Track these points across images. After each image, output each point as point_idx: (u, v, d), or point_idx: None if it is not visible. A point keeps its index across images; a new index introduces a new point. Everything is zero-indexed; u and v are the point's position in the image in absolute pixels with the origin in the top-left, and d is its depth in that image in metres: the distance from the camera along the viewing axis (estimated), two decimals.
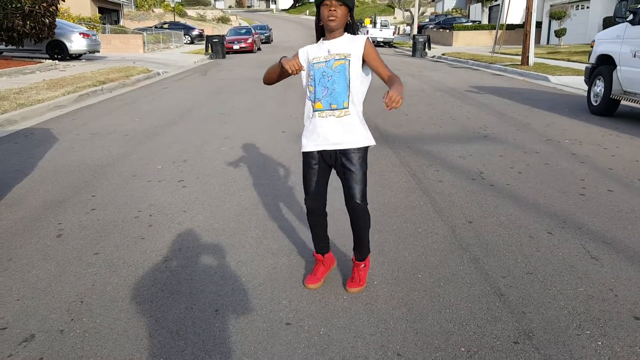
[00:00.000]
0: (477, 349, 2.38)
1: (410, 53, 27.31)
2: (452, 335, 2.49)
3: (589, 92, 9.11)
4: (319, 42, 2.72)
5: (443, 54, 25.47)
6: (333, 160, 2.72)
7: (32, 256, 3.35)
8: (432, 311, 2.69)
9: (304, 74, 2.73)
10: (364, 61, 2.65)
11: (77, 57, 19.19)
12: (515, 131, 7.29)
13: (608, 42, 8.67)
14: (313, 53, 2.69)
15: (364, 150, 2.72)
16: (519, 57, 18.85)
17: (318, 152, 2.71)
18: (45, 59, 17.97)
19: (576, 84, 12.85)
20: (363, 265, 2.93)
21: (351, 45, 2.62)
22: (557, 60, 19.29)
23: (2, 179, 5.03)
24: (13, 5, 14.44)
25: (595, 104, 8.81)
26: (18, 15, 14.67)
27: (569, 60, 19.03)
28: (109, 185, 4.85)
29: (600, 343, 2.43)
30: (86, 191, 4.66)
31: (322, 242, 2.96)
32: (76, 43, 18.45)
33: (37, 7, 15.05)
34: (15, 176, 5.13)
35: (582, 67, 15.85)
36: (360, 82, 2.67)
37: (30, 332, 2.51)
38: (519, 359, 2.31)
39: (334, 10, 2.54)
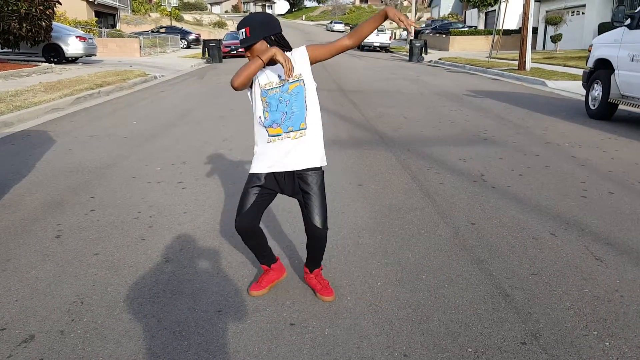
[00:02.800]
0: (484, 350, 2.35)
1: (407, 58, 27.36)
2: (458, 336, 2.46)
3: (587, 96, 9.13)
4: (265, 68, 2.51)
5: (440, 59, 25.53)
6: (287, 184, 2.59)
7: (31, 257, 3.30)
8: (438, 312, 2.66)
9: (251, 95, 2.60)
10: (316, 62, 2.59)
11: (73, 60, 19.12)
12: (514, 134, 7.28)
13: (606, 46, 8.70)
14: (264, 79, 2.53)
15: (321, 171, 2.62)
16: (516, 62, 18.93)
17: (267, 174, 2.58)
18: (42, 62, 17.90)
19: (573, 88, 12.89)
20: (320, 270, 2.87)
21: (298, 64, 2.51)
22: (554, 65, 19.36)
23: (0, 181, 4.98)
24: (9, 8, 14.38)
25: (593, 107, 8.83)
26: (14, 18, 14.60)
27: (565, 66, 19.10)
28: (108, 186, 4.80)
29: (607, 344, 2.41)
30: (85, 192, 4.62)
31: (265, 257, 2.84)
32: (72, 46, 18.38)
33: (33, 10, 14.99)
34: (13, 178, 5.08)
35: (579, 72, 15.96)
36: (314, 97, 2.59)
37: (29, 333, 2.47)
38: (527, 359, 2.28)
39: (249, 55, 2.47)
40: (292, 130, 2.53)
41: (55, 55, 18.14)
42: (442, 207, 4.26)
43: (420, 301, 2.77)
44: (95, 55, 20.66)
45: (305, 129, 2.54)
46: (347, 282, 2.98)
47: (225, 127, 7.84)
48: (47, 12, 15.63)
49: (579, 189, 4.79)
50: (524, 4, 18.02)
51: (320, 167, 2.62)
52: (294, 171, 2.57)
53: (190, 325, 2.53)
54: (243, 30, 2.43)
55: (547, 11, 31.97)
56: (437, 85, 14.40)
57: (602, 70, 8.65)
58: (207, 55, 24.84)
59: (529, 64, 17.51)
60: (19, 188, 4.76)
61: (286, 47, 2.55)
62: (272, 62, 2.46)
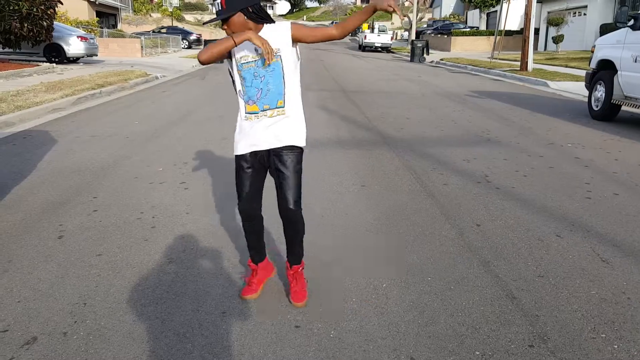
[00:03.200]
0: (492, 353, 2.32)
1: (409, 58, 27.34)
2: (465, 338, 2.43)
3: (589, 97, 9.10)
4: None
5: (441, 60, 25.50)
6: (267, 162, 2.56)
7: (33, 258, 3.28)
8: (444, 314, 2.64)
9: (231, 67, 2.52)
10: (298, 42, 2.48)
11: (74, 60, 19.10)
12: (517, 135, 7.26)
13: (609, 47, 8.67)
14: (239, 51, 2.42)
15: (298, 151, 2.53)
16: (518, 63, 18.89)
17: (251, 154, 2.54)
18: (43, 62, 17.89)
19: (575, 89, 12.86)
20: (300, 268, 2.74)
21: (278, 37, 2.40)
22: (555, 66, 19.33)
23: (1, 180, 4.95)
24: (10, 8, 14.35)
25: (596, 108, 8.80)
26: (15, 17, 14.58)
27: (567, 66, 19.08)
28: (110, 187, 4.78)
29: (616, 346, 2.39)
30: (87, 193, 4.60)
31: (257, 250, 2.80)
32: (74, 46, 18.36)
33: (35, 10, 14.96)
34: (15, 178, 5.06)
35: (580, 73, 15.93)
36: (294, 74, 2.50)
37: (32, 335, 2.44)
38: None
39: (226, 28, 2.37)
40: (269, 109, 2.45)
41: (56, 55, 18.12)
42: (446, 208, 4.23)
43: (427, 303, 2.74)
44: (97, 56, 20.63)
45: (283, 107, 2.47)
46: (352, 283, 2.95)
47: (226, 126, 7.80)
48: (49, 12, 15.61)
49: (584, 190, 4.76)
50: (526, 5, 18.01)
51: (300, 147, 2.54)
52: (271, 149, 2.51)
53: (195, 327, 2.51)
54: (218, 1, 2.31)
55: (548, 12, 31.94)
56: (439, 85, 14.37)
57: (605, 71, 8.62)
58: None
59: (531, 65, 17.48)
60: (20, 188, 4.73)
61: (266, 18, 2.43)
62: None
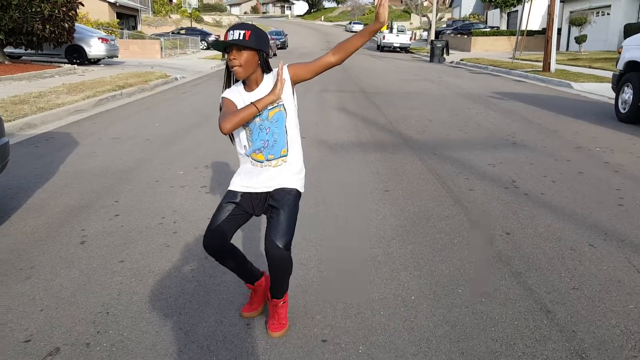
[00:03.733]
0: None
1: (428, 59, 27.12)
2: (500, 356, 2.33)
3: (616, 99, 8.88)
4: (241, 90, 2.36)
5: (461, 60, 25.25)
6: (260, 203, 2.45)
7: (55, 264, 3.25)
8: (477, 329, 2.53)
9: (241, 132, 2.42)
10: (298, 83, 2.39)
11: (95, 61, 19.28)
12: (544, 138, 7.09)
13: (637, 48, 8.45)
14: (241, 105, 2.31)
15: (295, 193, 2.43)
16: (540, 64, 18.62)
17: (245, 194, 2.44)
18: (64, 63, 18.08)
19: (600, 90, 12.60)
20: (282, 302, 2.52)
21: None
22: (579, 67, 19.00)
23: (24, 183, 4.96)
24: (33, 10, 14.50)
25: (623, 111, 8.58)
26: (38, 19, 14.74)
27: (590, 67, 18.73)
28: (131, 190, 4.75)
29: None
30: (109, 196, 4.57)
31: (245, 274, 2.62)
32: (95, 48, 18.52)
33: (56, 12, 15.11)
34: (37, 180, 5.06)
35: (605, 74, 15.62)
36: (295, 122, 2.43)
37: (55, 345, 2.40)
38: None
39: (235, 59, 2.21)
40: (274, 159, 2.40)
41: (77, 56, 18.30)
42: (474, 215, 4.12)
43: (458, 317, 2.64)
44: (117, 57, 20.81)
45: (287, 155, 2.42)
46: (379, 295, 2.87)
47: None
48: (70, 14, 15.76)
49: (615, 196, 4.61)
50: (548, 5, 17.72)
51: (297, 190, 2.45)
52: (267, 192, 2.43)
53: (219, 340, 2.44)
54: (243, 32, 2.20)
55: (571, 12, 31.46)
56: (460, 86, 14.19)
57: (633, 73, 8.40)
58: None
59: (553, 66, 17.19)
60: (43, 191, 4.73)
61: (268, 68, 2.35)
62: (251, 88, 2.33)
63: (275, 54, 31.95)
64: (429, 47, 29.18)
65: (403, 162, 5.77)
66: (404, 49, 35.87)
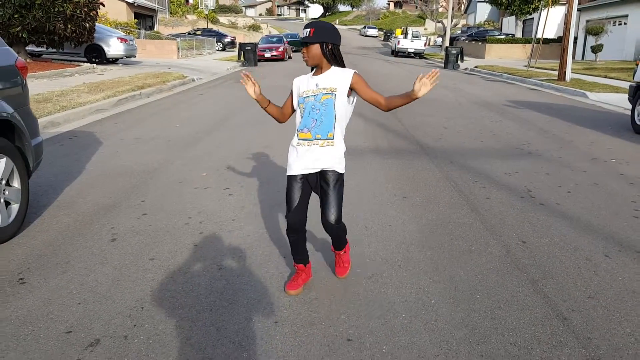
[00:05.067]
0: None
1: (442, 65, 27.16)
2: (518, 359, 2.43)
3: (633, 110, 8.92)
4: (310, 75, 2.88)
5: (476, 67, 25.28)
6: (315, 183, 2.90)
7: (89, 260, 3.39)
8: (495, 334, 2.64)
9: (296, 103, 2.93)
10: (353, 92, 2.83)
11: (113, 61, 19.56)
12: (559, 149, 7.17)
13: None
14: (303, 86, 2.87)
15: (339, 175, 2.88)
16: (555, 72, 18.63)
17: (302, 175, 2.87)
18: (83, 62, 18.36)
19: (615, 101, 12.60)
20: (343, 252, 3.16)
21: (338, 80, 2.79)
22: (594, 77, 18.97)
23: (52, 181, 5.13)
24: (56, 9, 14.77)
25: (639, 122, 8.62)
26: (60, 19, 15.01)
27: (606, 77, 18.69)
28: (156, 190, 4.90)
29: None
30: (135, 196, 4.72)
31: (301, 255, 3.05)
32: (114, 47, 18.79)
33: (78, 12, 15.38)
34: (65, 179, 5.23)
35: (621, 84, 15.61)
36: (344, 113, 2.85)
37: (95, 337, 2.54)
38: None
39: (304, 51, 2.78)
40: (320, 139, 2.81)
41: (96, 55, 18.58)
42: (490, 223, 4.22)
43: (477, 321, 2.75)
44: (135, 57, 21.08)
45: (333, 139, 2.82)
46: (400, 298, 2.98)
47: (266, 133, 7.92)
48: (92, 14, 16.03)
49: (630, 208, 4.69)
50: (565, 14, 17.72)
51: (341, 172, 2.89)
52: (318, 172, 2.88)
53: (249, 336, 2.57)
54: (308, 30, 2.74)
55: (587, 21, 31.37)
56: (475, 94, 14.26)
57: None
58: (242, 59, 25.10)
59: (569, 75, 17.18)
60: (71, 189, 4.89)
61: (339, 60, 2.81)
62: (317, 73, 2.82)
63: (290, 57, 32.15)
64: (443, 53, 29.22)
65: (420, 170, 5.87)
66: (418, 55, 35.89)
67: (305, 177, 2.88)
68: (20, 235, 3.77)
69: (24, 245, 3.59)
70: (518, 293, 3.07)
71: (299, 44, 2.79)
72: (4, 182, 3.66)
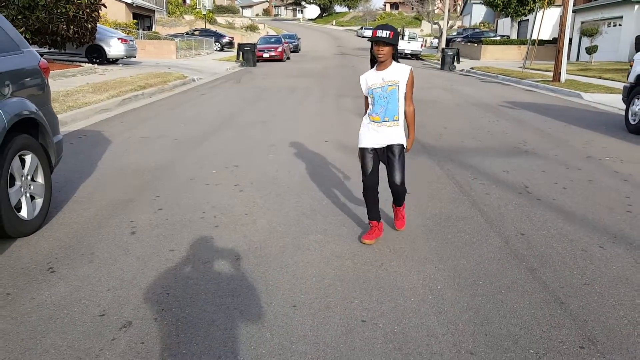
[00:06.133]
0: (545, 352, 2.53)
1: (439, 66, 27.43)
2: (519, 338, 2.64)
3: (627, 110, 9.15)
4: (374, 70, 3.63)
5: (472, 68, 25.55)
6: (382, 154, 3.69)
7: (112, 251, 3.59)
8: (498, 316, 2.85)
9: (366, 93, 3.71)
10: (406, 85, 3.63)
11: (114, 61, 19.72)
12: (554, 147, 7.39)
13: None
14: (371, 80, 3.63)
15: (402, 147, 3.68)
16: (550, 73, 18.88)
17: (373, 148, 3.68)
18: (84, 62, 18.50)
19: (610, 101, 12.86)
20: (402, 208, 3.97)
21: (399, 74, 3.57)
22: (589, 78, 19.25)
23: (68, 177, 5.32)
24: (58, 11, 14.94)
25: (633, 122, 8.86)
26: (63, 20, 15.17)
27: (600, 78, 18.97)
28: (169, 187, 5.09)
29: None
30: (149, 192, 4.91)
31: (375, 212, 3.78)
32: (114, 48, 18.95)
33: (80, 13, 15.55)
34: (79, 176, 5.42)
35: (615, 84, 15.88)
36: (403, 101, 3.64)
37: (127, 319, 2.73)
38: None
39: (382, 49, 3.49)
40: (388, 120, 3.61)
41: (97, 56, 18.73)
42: (490, 217, 4.43)
43: (480, 305, 2.96)
44: (135, 57, 21.24)
45: (397, 120, 3.63)
46: (409, 284, 3.19)
47: (270, 132, 8.11)
48: (93, 15, 16.20)
49: (624, 203, 4.91)
50: (560, 16, 17.99)
51: (403, 145, 3.69)
52: (386, 146, 3.68)
53: (270, 318, 2.77)
54: (387, 32, 3.42)
55: (582, 22, 31.70)
56: (472, 95, 14.50)
57: None
58: (241, 59, 25.29)
59: (564, 76, 17.44)
60: (87, 186, 5.08)
61: (396, 59, 3.61)
62: (382, 68, 3.57)
63: (288, 57, 32.35)
64: (439, 54, 29.47)
65: (422, 167, 6.09)
66: (415, 56, 36.15)
67: (375, 150, 3.67)
68: (44, 228, 3.96)
69: (49, 238, 3.78)
70: (518, 280, 3.28)
71: (374, 41, 3.46)
72: (29, 177, 3.85)
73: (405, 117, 3.68)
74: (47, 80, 4.37)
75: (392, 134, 3.63)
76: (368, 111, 3.71)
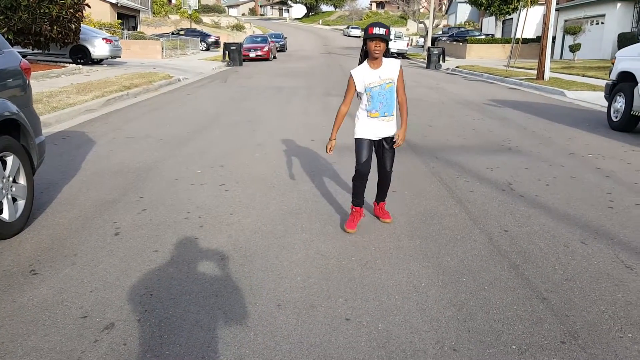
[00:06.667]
0: (527, 347, 2.56)
1: (425, 65, 27.54)
2: (502, 334, 2.67)
3: (609, 107, 9.27)
4: (367, 67, 3.76)
5: (457, 67, 25.68)
6: (377, 145, 3.95)
7: (95, 252, 3.56)
8: (481, 312, 2.87)
9: (363, 92, 3.84)
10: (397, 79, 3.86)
11: (98, 61, 19.55)
12: (538, 144, 7.46)
13: (630, 59, 8.84)
14: (369, 79, 3.77)
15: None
16: (534, 72, 19.05)
17: (369, 140, 3.91)
18: (69, 63, 18.33)
19: (592, 99, 13.00)
20: (385, 205, 4.27)
21: (392, 70, 3.79)
22: (572, 75, 19.45)
23: (51, 179, 5.27)
24: (41, 11, 14.78)
25: (615, 119, 8.97)
26: (46, 20, 15.01)
27: (584, 76, 19.18)
28: (153, 187, 5.06)
29: None
30: (133, 193, 4.88)
31: (361, 199, 4.03)
32: (99, 48, 18.81)
33: (64, 13, 15.39)
34: (62, 177, 5.37)
35: (598, 82, 16.06)
36: (396, 93, 3.89)
37: (109, 321, 2.71)
38: (567, 357, 2.49)
39: (378, 45, 3.66)
40: (387, 115, 3.84)
41: (82, 56, 18.57)
42: (474, 214, 4.46)
43: (464, 301, 2.98)
44: (120, 57, 21.08)
45: (393, 115, 3.87)
46: (393, 282, 3.20)
47: (256, 132, 8.10)
48: (77, 15, 16.04)
49: (606, 199, 4.97)
50: (544, 15, 18.15)
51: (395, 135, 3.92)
52: (382, 138, 3.93)
53: (254, 318, 2.77)
54: (383, 30, 3.60)
55: (565, 20, 32.02)
56: (457, 93, 14.58)
57: (625, 83, 8.79)
58: (227, 59, 25.20)
59: (547, 74, 17.61)
60: (70, 187, 5.03)
61: (387, 53, 3.77)
62: (376, 66, 3.74)
63: (275, 57, 32.30)
64: (425, 53, 29.59)
65: (408, 165, 6.11)
66: (401, 55, 36.22)
67: (371, 140, 3.91)
68: (26, 230, 3.92)
69: (31, 240, 3.75)
70: (501, 276, 3.31)
71: (370, 37, 3.61)
72: (11, 179, 3.80)
73: (399, 107, 3.92)
74: (29, 81, 4.32)
75: (388, 127, 3.89)
76: (364, 107, 3.87)
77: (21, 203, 3.90)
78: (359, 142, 3.92)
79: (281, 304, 2.92)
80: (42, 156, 4.45)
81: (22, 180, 3.94)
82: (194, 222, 4.17)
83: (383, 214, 4.27)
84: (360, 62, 3.81)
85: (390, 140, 3.93)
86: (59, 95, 10.66)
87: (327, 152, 4.00)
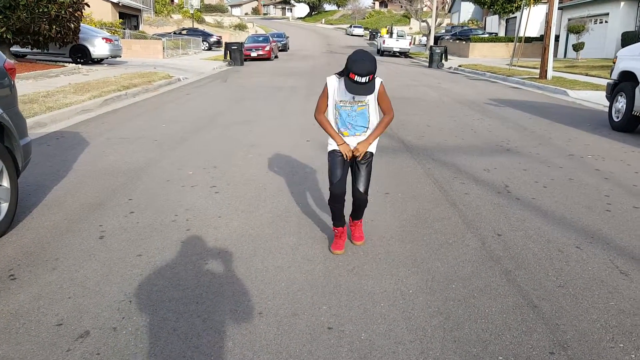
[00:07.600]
0: (514, 358, 2.47)
1: (427, 64, 27.41)
2: (489, 344, 2.58)
3: (610, 107, 9.15)
4: (342, 84, 3.25)
5: (460, 66, 25.54)
6: (351, 160, 3.50)
7: (77, 257, 3.48)
8: (469, 321, 2.78)
9: (331, 107, 3.44)
10: (378, 98, 3.40)
11: (99, 61, 19.51)
12: (537, 145, 7.35)
13: (631, 59, 8.72)
14: (340, 96, 3.36)
15: (371, 154, 3.50)
16: (537, 71, 18.91)
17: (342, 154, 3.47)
18: (68, 62, 18.30)
19: (595, 98, 12.87)
20: (359, 222, 3.77)
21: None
22: (575, 75, 19.29)
23: (40, 180, 5.20)
24: (40, 10, 14.73)
25: (616, 120, 8.85)
26: (45, 19, 14.97)
27: (587, 75, 19.03)
28: (144, 189, 4.99)
29: (634, 356, 2.51)
30: (122, 194, 4.81)
31: (342, 219, 3.59)
32: (99, 48, 18.76)
33: (63, 12, 15.35)
34: (52, 178, 5.30)
35: (601, 81, 15.91)
36: (375, 114, 3.45)
37: (84, 329, 2.64)
38: None
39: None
40: (359, 135, 3.45)
41: (81, 56, 18.53)
42: (468, 218, 4.37)
43: (451, 310, 2.89)
44: (120, 57, 21.03)
45: (366, 132, 3.45)
46: (380, 289, 3.11)
47: (253, 132, 8.02)
48: (76, 14, 16.00)
49: (603, 202, 4.86)
50: (546, 13, 18.01)
51: (372, 153, 3.50)
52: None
53: (234, 326, 2.69)
54: (367, 77, 3.08)
55: (569, 19, 31.82)
56: (458, 93, 14.47)
57: (626, 83, 8.67)
58: (229, 58, 25.13)
59: (550, 73, 17.48)
60: (59, 189, 4.96)
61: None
62: (349, 82, 3.14)
63: (276, 56, 32.21)
64: (428, 52, 29.47)
65: (402, 166, 6.02)
66: (403, 54, 36.14)
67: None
68: (9, 233, 3.85)
69: (13, 243, 3.67)
70: (492, 283, 3.22)
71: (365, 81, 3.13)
72: None
73: (378, 122, 3.44)
74: (14, 82, 4.24)
75: (359, 143, 3.45)
76: (334, 122, 3.44)
77: (4, 206, 3.83)
78: (332, 156, 3.47)
79: (263, 311, 2.84)
80: (28, 158, 4.38)
81: (5, 183, 3.87)
82: (181, 225, 4.09)
83: (354, 234, 3.79)
84: (341, 76, 3.29)
85: (365, 156, 3.46)
86: (56, 95, 10.59)
87: (347, 159, 3.45)
